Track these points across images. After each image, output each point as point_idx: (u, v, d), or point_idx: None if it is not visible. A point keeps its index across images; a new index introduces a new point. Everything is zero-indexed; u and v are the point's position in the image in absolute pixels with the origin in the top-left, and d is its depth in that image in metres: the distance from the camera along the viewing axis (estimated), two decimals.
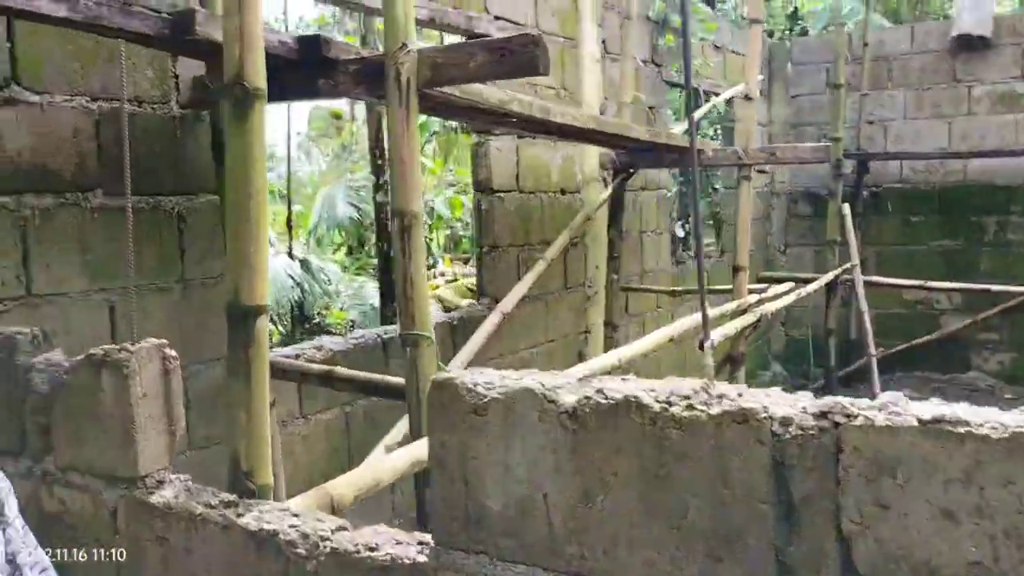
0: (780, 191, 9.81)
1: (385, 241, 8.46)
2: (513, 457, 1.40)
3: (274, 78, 3.12)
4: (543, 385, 1.40)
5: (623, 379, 1.43)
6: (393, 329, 4.51)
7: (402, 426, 3.89)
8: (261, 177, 2.13)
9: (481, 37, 4.88)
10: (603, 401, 1.33)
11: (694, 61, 7.18)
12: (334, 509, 2.26)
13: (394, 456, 2.59)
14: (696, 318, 4.80)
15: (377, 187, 8.61)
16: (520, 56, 2.64)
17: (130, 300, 3.16)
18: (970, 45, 8.34)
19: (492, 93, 3.47)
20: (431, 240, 16.13)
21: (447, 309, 11.36)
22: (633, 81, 5.98)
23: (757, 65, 5.39)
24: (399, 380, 3.06)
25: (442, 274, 15.06)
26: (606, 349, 6.16)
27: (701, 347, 4.54)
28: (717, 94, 7.60)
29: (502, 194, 5.17)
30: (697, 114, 6.85)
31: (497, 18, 5.09)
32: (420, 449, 2.69)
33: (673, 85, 7.45)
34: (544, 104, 4.02)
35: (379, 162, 8.74)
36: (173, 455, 2.03)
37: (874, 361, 8.09)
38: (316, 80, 3.04)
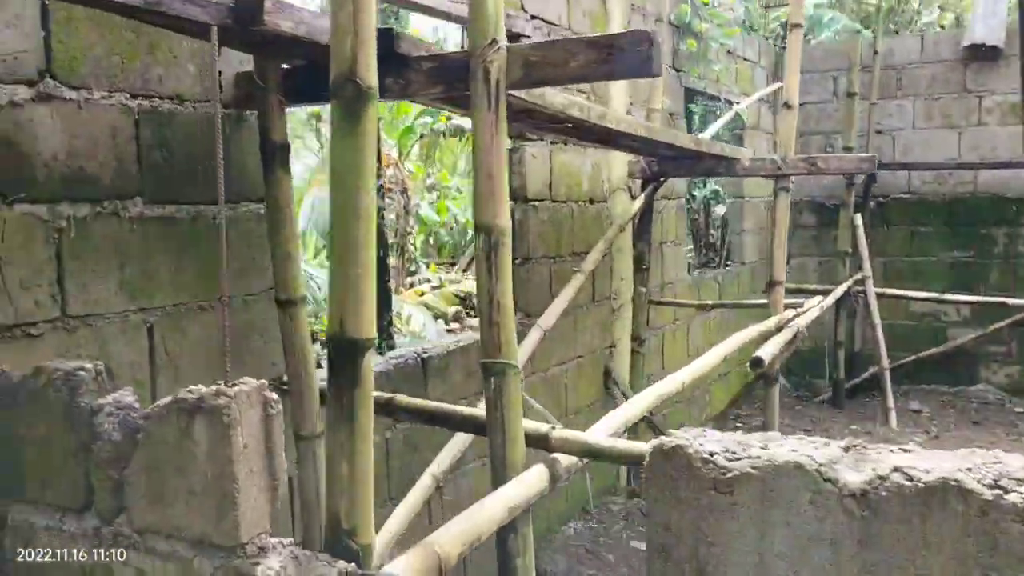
0: None
1: (381, 248, 8.14)
2: (771, 547, 1.14)
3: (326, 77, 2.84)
4: (813, 459, 1.14)
5: (903, 449, 1.17)
6: (432, 348, 4.22)
7: (448, 454, 3.61)
8: (370, 191, 1.84)
9: (518, 36, 4.62)
10: (906, 483, 1.07)
11: (714, 67, 6.99)
12: (442, 572, 1.98)
13: (487, 504, 2.30)
14: (745, 334, 4.58)
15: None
16: (630, 56, 2.38)
17: (169, 320, 2.85)
18: (982, 55, 8.27)
19: (554, 96, 3.21)
20: (413, 245, 15.79)
21: (437, 316, 11.04)
22: (663, 86, 5.75)
23: (796, 71, 5.19)
24: (477, 412, 2.78)
25: (427, 280, 14.71)
26: (632, 364, 5.93)
27: (753, 366, 4.32)
28: (736, 102, 7.42)
29: (536, 203, 4.91)
30: (720, 122, 6.66)
31: (533, 17, 4.82)
32: (512, 494, 2.42)
33: (693, 92, 7.24)
34: (601, 109, 3.76)
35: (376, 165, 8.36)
36: (275, 516, 1.73)
37: (887, 374, 7.97)
38: (382, 79, 2.74)
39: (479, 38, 2.47)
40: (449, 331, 8.98)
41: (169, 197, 2.83)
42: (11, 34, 2.39)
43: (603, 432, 2.92)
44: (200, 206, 2.94)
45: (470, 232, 17.06)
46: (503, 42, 2.49)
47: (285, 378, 3.21)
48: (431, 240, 16.78)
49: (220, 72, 3.00)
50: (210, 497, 1.66)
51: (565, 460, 2.68)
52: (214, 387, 1.69)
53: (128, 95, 2.70)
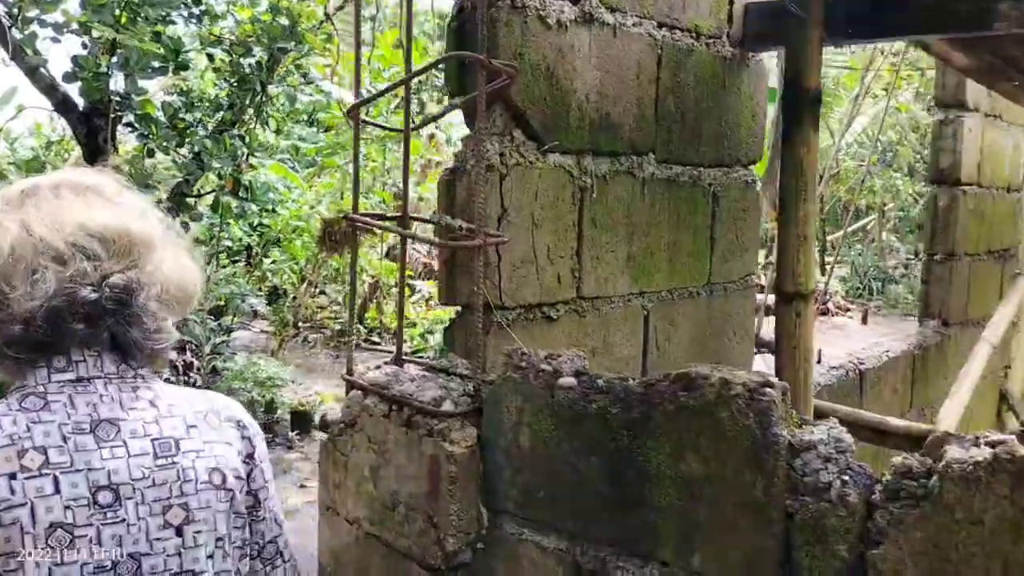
0: None
1: None
2: None
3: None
4: None
5: None
6: (866, 359, 3.48)
7: None
8: None
9: None
10: None
11: None
12: None
13: None
14: None
15: None
16: None
17: (663, 308, 2.29)
18: None
19: None
20: None
21: None
22: None
23: None
24: None
25: None
26: None
27: None
28: None
29: (965, 188, 4.01)
30: None
31: None
32: None
33: None
34: None
35: None
36: None
37: None
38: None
39: None
40: None
41: (674, 156, 2.27)
42: None
43: None
44: (699, 168, 2.36)
45: None
46: None
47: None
48: None
49: (732, 1, 2.40)
50: None
51: None
52: None
53: (655, 24, 2.14)
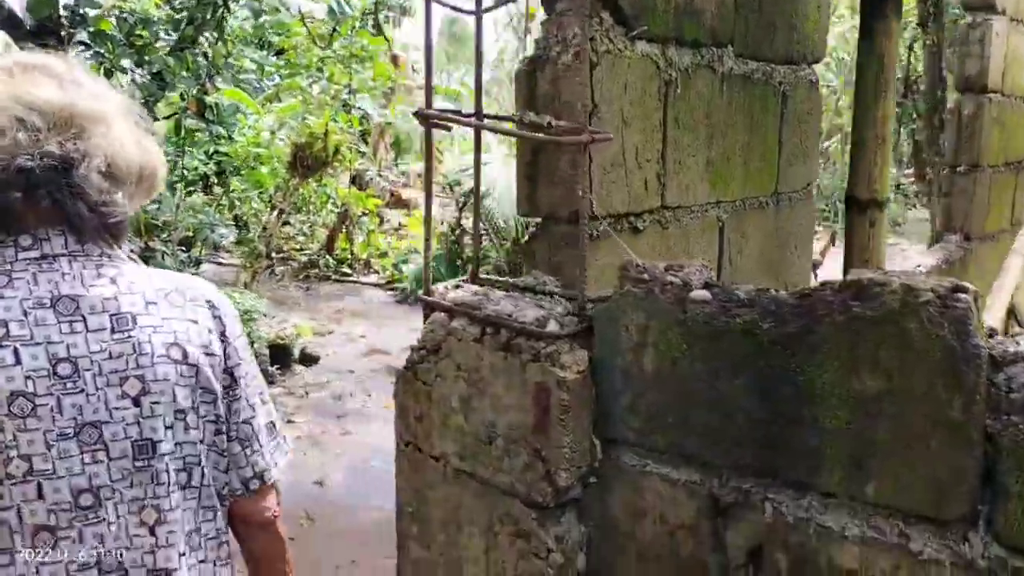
0: None
1: None
2: None
3: None
4: None
5: None
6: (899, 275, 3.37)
7: None
8: None
9: None
10: None
11: None
12: None
13: None
14: None
15: None
16: None
17: (736, 219, 2.11)
18: None
19: None
20: None
21: None
22: None
23: None
24: None
25: None
26: None
27: None
28: None
29: (991, 95, 3.88)
30: None
31: None
32: None
33: None
34: None
35: None
36: None
37: None
38: None
39: None
40: None
41: (749, 50, 2.06)
42: None
43: None
44: (772, 65, 2.16)
45: None
46: None
47: None
48: None
49: None
50: None
51: None
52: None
53: None
